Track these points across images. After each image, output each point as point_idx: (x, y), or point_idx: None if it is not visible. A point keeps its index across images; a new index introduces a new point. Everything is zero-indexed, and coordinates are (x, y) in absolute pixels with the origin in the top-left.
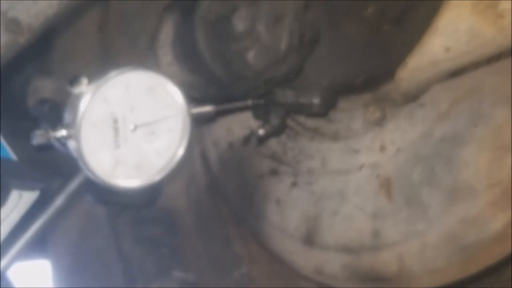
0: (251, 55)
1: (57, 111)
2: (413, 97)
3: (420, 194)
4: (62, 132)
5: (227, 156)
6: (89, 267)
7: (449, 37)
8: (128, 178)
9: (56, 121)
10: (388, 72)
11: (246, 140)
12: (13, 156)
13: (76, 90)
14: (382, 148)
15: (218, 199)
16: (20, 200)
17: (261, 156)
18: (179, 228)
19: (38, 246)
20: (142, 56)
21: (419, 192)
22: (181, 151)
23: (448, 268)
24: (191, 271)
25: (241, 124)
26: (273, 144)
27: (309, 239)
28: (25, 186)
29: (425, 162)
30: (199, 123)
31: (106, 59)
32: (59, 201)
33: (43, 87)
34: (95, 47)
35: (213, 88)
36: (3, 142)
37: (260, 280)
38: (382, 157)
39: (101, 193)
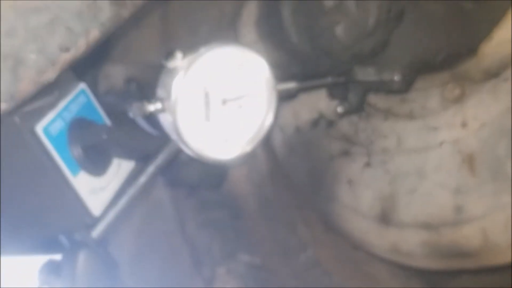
0: (339, 30)
1: (142, 89)
2: (494, 73)
3: (505, 167)
4: (158, 106)
5: (294, 140)
6: (155, 252)
7: None
8: (218, 150)
9: (143, 98)
10: (470, 49)
11: (315, 123)
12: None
13: (171, 64)
14: (464, 124)
15: (282, 184)
16: (119, 169)
17: (331, 138)
18: (243, 212)
19: None
20: (215, 39)
21: (505, 165)
22: (267, 124)
23: None
24: (257, 255)
25: (309, 108)
26: (344, 126)
27: (385, 218)
28: (124, 154)
29: (510, 135)
30: (281, 99)
31: (168, 47)
32: (150, 170)
33: (115, 72)
34: (157, 36)
35: (295, 66)
36: (101, 111)
37: (326, 263)
38: (464, 133)
39: (172, 175)
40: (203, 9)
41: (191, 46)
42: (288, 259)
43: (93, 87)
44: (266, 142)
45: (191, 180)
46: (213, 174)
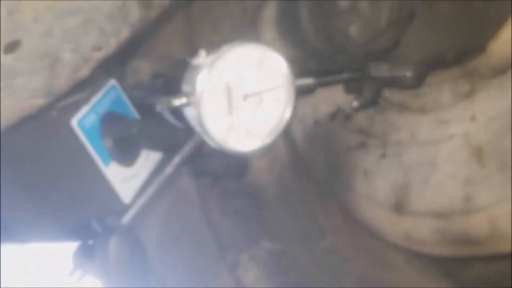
0: (353, 29)
1: (169, 84)
2: (502, 69)
3: None
4: (183, 100)
5: (313, 132)
6: (181, 239)
7: None
8: (240, 142)
9: (168, 93)
10: (479, 46)
11: (332, 116)
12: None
13: (195, 62)
14: (473, 118)
15: (302, 174)
16: (147, 160)
17: (348, 131)
18: (264, 201)
19: None
20: (236, 36)
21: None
22: (286, 118)
23: None
24: (278, 242)
25: (327, 101)
26: (361, 119)
27: (399, 207)
28: (152, 146)
29: None
30: (299, 94)
31: (191, 44)
32: (176, 161)
33: (142, 67)
34: (180, 33)
35: (312, 63)
36: (130, 105)
37: (344, 251)
38: (473, 126)
39: (197, 166)
40: (225, 7)
41: (214, 43)
42: (308, 246)
43: (121, 82)
44: (287, 134)
45: (214, 171)
46: (236, 165)
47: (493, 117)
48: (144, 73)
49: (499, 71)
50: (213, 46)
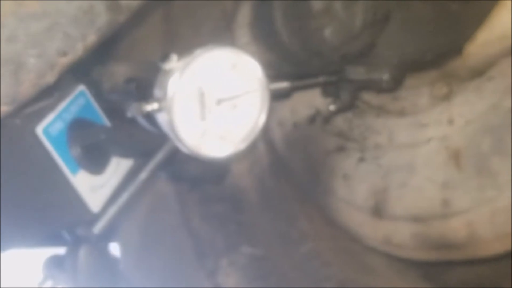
0: (328, 32)
1: (142, 88)
2: (480, 72)
3: (490, 163)
4: (154, 106)
5: (292, 135)
6: (160, 245)
7: None
8: (214, 148)
9: (141, 98)
10: (456, 49)
11: (311, 119)
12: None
13: (167, 66)
14: (450, 121)
15: (282, 178)
16: (118, 167)
17: (327, 134)
18: (245, 205)
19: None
20: (216, 37)
21: (489, 161)
22: (260, 123)
23: None
24: (259, 246)
25: (306, 104)
26: (339, 122)
27: (378, 211)
28: (123, 153)
29: (494, 132)
30: (274, 98)
31: (170, 46)
32: (149, 167)
33: (118, 71)
34: (160, 35)
35: (288, 66)
36: (100, 112)
37: (325, 255)
38: (450, 130)
39: (175, 170)
40: (205, 9)
41: (194, 45)
42: (288, 251)
43: (98, 87)
44: (267, 137)
45: (193, 176)
46: (214, 170)
47: (470, 120)
48: (120, 77)
49: (476, 74)
50: (192, 47)
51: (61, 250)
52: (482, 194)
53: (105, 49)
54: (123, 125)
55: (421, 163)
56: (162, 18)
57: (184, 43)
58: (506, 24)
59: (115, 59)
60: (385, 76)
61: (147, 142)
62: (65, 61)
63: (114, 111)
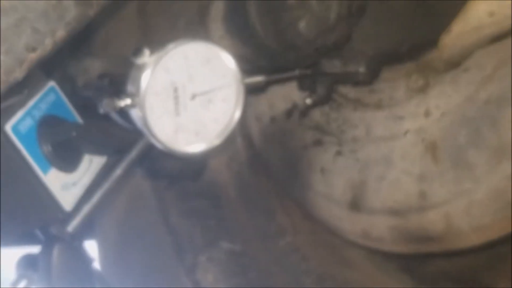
0: (302, 25)
1: (115, 84)
2: (456, 63)
3: (466, 155)
4: (127, 101)
5: (270, 130)
6: (138, 241)
7: (493, 1)
8: (189, 143)
9: (114, 94)
10: (431, 40)
11: (289, 113)
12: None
13: (139, 61)
14: (427, 113)
15: (260, 172)
16: (90, 165)
17: (304, 128)
18: (223, 200)
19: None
20: (192, 31)
21: (466, 153)
22: (236, 118)
23: (495, 223)
24: (237, 242)
25: (283, 98)
26: (316, 115)
27: (356, 204)
28: (95, 150)
29: (470, 124)
30: (250, 93)
31: (146, 40)
32: (124, 164)
33: (92, 66)
34: (135, 30)
35: (263, 59)
36: (71, 108)
37: (304, 249)
38: (427, 122)
39: (151, 167)
40: (180, 3)
41: (169, 40)
42: (268, 246)
43: (72, 83)
44: (244, 131)
45: (170, 172)
46: (191, 165)
47: (446, 112)
48: (94, 73)
49: (452, 65)
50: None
51: (35, 249)
52: (459, 186)
53: (79, 45)
54: (96, 122)
55: (398, 156)
56: (137, 12)
57: (159, 37)
58: (481, 15)
59: (90, 54)
60: (361, 69)
61: (121, 139)
62: (34, 56)
63: (87, 107)
